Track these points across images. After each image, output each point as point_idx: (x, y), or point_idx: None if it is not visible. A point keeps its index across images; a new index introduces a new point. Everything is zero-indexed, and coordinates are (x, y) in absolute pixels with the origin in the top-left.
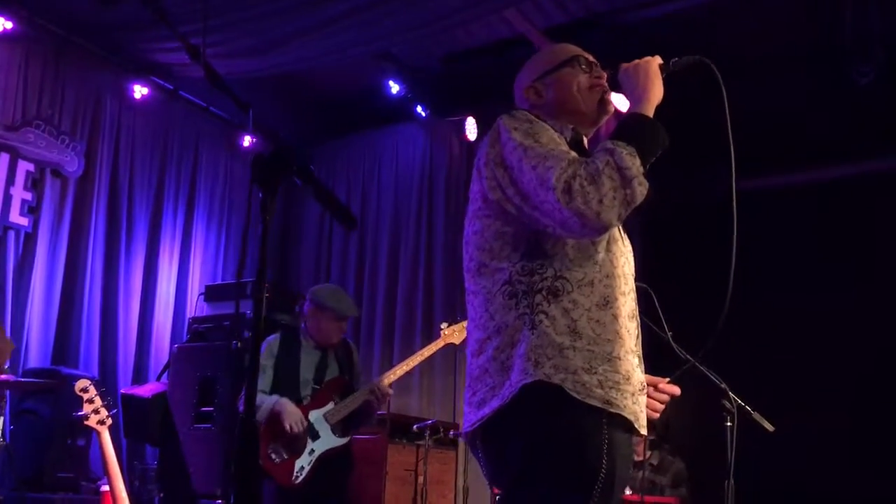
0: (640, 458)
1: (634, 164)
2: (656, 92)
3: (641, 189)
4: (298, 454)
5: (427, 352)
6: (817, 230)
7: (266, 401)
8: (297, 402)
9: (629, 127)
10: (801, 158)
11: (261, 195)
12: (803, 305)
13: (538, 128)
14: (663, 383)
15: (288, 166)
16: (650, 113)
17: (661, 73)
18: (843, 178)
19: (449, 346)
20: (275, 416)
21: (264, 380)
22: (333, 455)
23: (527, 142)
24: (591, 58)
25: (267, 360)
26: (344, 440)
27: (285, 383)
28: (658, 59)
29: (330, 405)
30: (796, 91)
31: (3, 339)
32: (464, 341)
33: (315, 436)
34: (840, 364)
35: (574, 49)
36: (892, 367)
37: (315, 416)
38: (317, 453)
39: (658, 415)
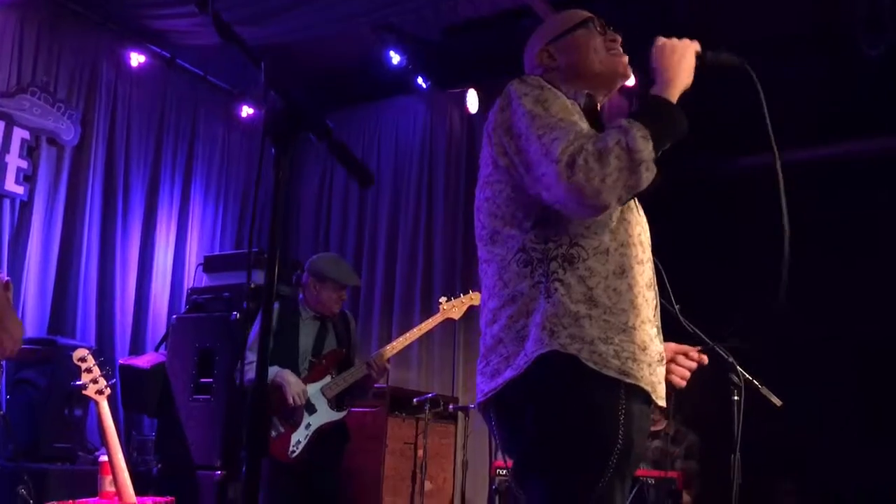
0: (659, 429)
1: (646, 149)
2: (685, 78)
3: (648, 175)
4: (295, 428)
5: (426, 326)
6: (828, 205)
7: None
8: (296, 374)
9: (649, 108)
10: (810, 133)
11: (273, 151)
12: (809, 280)
13: (549, 94)
14: (694, 351)
15: (303, 121)
16: (674, 98)
17: (696, 62)
18: (851, 154)
19: (448, 321)
20: (275, 389)
21: None
22: (329, 429)
23: (536, 109)
24: (604, 21)
25: None
26: (340, 414)
27: (284, 355)
28: (697, 46)
29: (327, 378)
30: (806, 65)
31: (16, 323)
32: (462, 316)
33: (311, 410)
34: (846, 341)
35: (587, 13)
36: None
37: (312, 389)
38: (313, 427)
39: (685, 383)
